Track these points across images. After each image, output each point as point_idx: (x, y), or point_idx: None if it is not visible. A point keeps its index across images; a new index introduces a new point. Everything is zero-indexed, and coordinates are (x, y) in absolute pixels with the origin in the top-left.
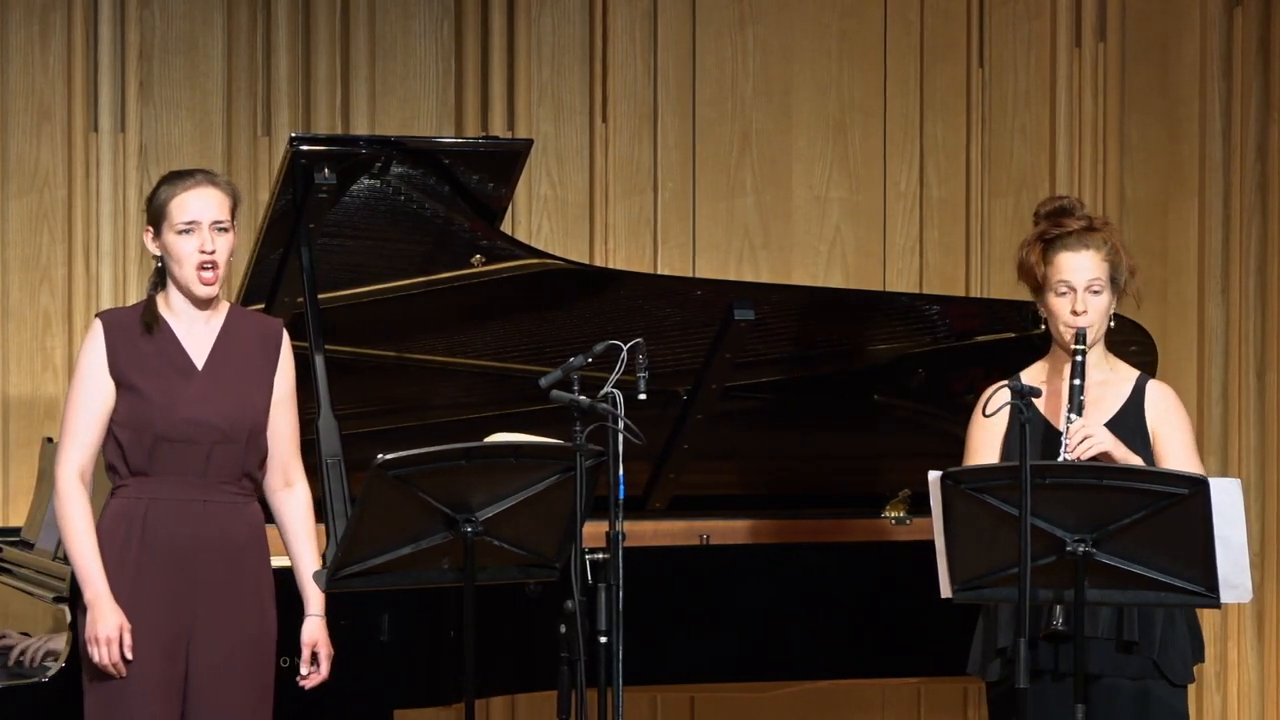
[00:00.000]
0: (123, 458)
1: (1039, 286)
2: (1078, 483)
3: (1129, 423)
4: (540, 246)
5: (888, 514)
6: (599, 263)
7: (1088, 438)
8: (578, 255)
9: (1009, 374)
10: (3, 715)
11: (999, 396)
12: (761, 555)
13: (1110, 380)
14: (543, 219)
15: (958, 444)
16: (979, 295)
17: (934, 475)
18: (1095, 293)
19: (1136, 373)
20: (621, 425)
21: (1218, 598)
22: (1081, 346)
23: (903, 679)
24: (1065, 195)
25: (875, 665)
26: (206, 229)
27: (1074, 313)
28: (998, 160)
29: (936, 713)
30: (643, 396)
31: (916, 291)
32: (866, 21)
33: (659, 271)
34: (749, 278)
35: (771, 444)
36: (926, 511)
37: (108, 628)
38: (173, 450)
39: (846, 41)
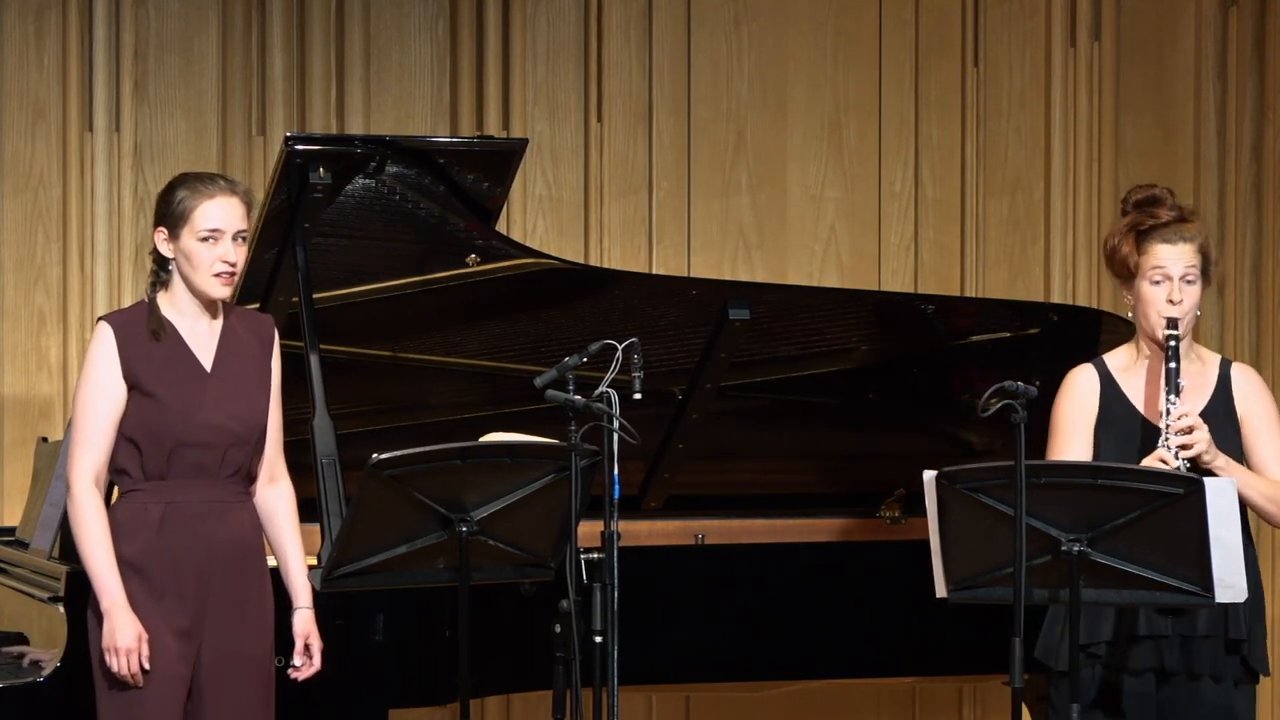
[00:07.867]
0: (139, 463)
1: (1130, 275)
2: (1073, 482)
3: (1219, 410)
4: (535, 246)
5: (883, 514)
6: (594, 262)
7: (1194, 429)
8: (573, 255)
9: (1005, 374)
10: None
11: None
12: (756, 555)
13: (1197, 368)
14: (538, 218)
15: (953, 443)
16: (974, 295)
17: (929, 474)
18: (1190, 282)
19: (1219, 358)
20: (616, 425)
21: (1213, 598)
22: (1174, 333)
23: (898, 679)
24: (1156, 185)
25: (870, 665)
26: (229, 239)
27: (1170, 301)
28: (993, 160)
29: (931, 713)
30: (638, 396)
31: (911, 291)
32: (862, 20)
33: (654, 271)
34: (744, 277)
35: (767, 443)
36: (921, 511)
37: (127, 638)
38: (190, 454)
39: (842, 40)
